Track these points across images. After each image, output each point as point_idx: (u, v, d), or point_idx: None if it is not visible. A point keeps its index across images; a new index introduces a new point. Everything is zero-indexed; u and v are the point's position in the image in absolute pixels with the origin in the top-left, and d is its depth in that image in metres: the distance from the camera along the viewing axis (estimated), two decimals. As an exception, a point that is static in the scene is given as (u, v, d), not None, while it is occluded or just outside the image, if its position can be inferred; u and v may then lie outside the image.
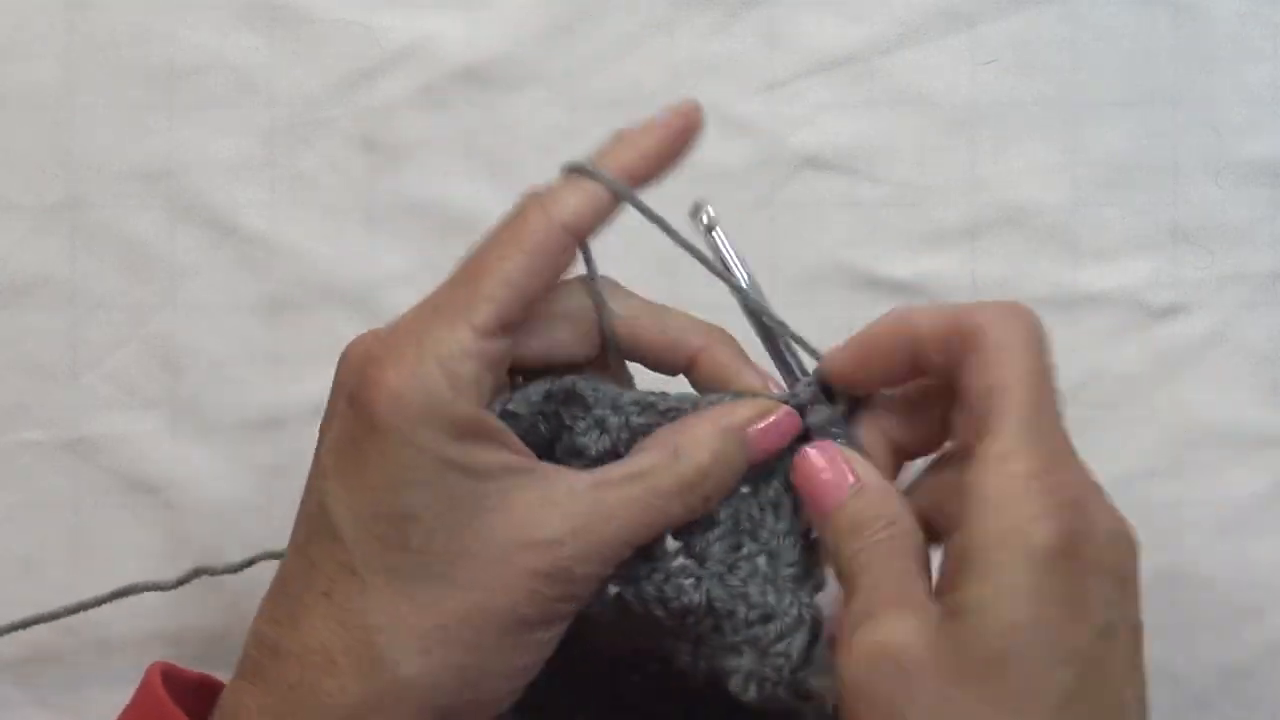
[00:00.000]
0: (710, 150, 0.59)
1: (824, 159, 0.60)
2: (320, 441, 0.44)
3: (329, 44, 0.59)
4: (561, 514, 0.41)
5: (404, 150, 0.59)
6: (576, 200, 0.43)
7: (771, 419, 0.44)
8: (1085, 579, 0.38)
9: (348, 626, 0.41)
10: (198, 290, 0.59)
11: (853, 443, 0.45)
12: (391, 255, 0.59)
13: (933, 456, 0.45)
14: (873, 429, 0.46)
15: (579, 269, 0.45)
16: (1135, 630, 0.40)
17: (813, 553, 0.45)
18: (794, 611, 0.43)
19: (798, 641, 0.43)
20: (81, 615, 0.55)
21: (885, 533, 0.42)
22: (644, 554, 0.43)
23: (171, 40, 0.59)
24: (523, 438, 0.43)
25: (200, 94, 0.59)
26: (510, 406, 0.44)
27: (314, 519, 0.42)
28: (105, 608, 0.55)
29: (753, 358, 0.46)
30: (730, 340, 0.46)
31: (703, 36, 0.60)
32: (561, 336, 0.45)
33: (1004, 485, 0.39)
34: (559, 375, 0.45)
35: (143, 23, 0.59)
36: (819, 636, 0.43)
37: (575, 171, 0.44)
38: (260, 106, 0.59)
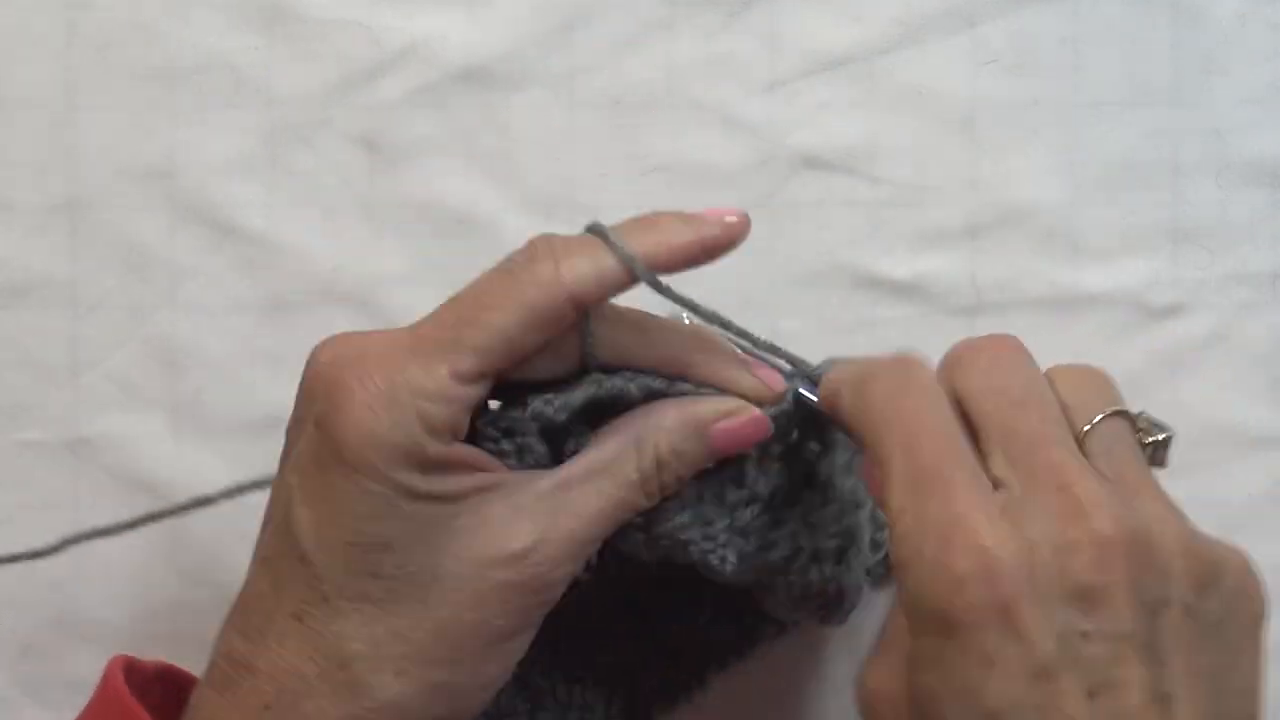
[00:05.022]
0: (710, 150, 0.60)
1: (824, 159, 0.60)
2: (286, 450, 0.44)
3: (329, 44, 0.59)
4: (530, 520, 0.41)
5: (404, 150, 0.59)
6: (590, 269, 0.42)
7: (737, 421, 0.44)
8: (979, 637, 0.35)
9: (322, 651, 0.41)
10: (198, 290, 0.59)
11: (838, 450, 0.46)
12: (391, 255, 0.59)
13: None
14: None
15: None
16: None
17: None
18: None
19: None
20: (82, 616, 0.56)
21: None
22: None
23: (171, 40, 0.59)
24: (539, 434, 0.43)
25: (200, 94, 0.59)
26: (550, 413, 0.43)
27: (280, 536, 0.42)
28: (105, 610, 0.54)
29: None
30: (716, 345, 0.46)
31: (703, 36, 0.60)
32: (543, 355, 0.44)
33: (895, 550, 0.37)
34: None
35: (143, 23, 0.59)
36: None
37: (596, 234, 0.43)
38: (260, 106, 0.59)
